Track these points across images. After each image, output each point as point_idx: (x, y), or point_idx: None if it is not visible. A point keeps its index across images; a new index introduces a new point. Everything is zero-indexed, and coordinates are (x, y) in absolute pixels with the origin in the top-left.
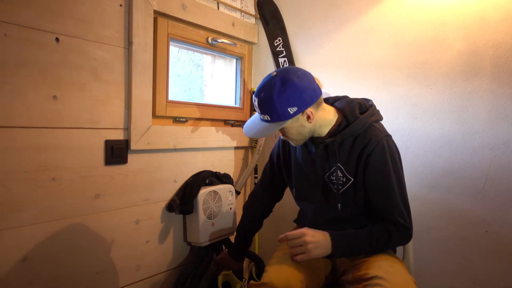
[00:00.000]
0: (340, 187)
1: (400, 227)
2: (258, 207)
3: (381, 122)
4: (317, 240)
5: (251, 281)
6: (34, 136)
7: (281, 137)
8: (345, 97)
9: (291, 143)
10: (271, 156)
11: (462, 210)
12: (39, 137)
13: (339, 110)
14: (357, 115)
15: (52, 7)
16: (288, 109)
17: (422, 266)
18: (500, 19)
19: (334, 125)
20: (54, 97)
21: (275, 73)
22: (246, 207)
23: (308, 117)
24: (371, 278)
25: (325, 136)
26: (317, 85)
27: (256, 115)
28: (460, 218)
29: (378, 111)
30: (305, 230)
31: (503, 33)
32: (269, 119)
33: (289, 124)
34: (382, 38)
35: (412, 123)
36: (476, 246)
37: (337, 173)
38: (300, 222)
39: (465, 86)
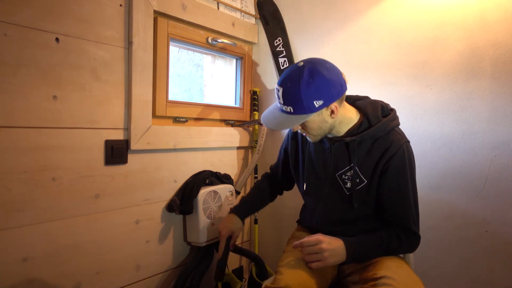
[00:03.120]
0: (352, 187)
1: (410, 234)
2: (272, 182)
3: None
4: (333, 247)
5: (266, 284)
6: (34, 136)
7: (299, 131)
8: (366, 97)
9: (308, 138)
10: (280, 150)
11: (462, 210)
12: (39, 137)
13: (360, 110)
14: (380, 118)
15: (52, 7)
16: (314, 102)
17: (422, 266)
18: (500, 19)
19: (355, 124)
20: (54, 97)
21: (302, 63)
22: (263, 178)
23: (332, 112)
24: (380, 278)
25: (343, 134)
26: (344, 79)
27: (275, 105)
28: (460, 218)
29: (397, 116)
30: (320, 237)
31: (503, 33)
32: (291, 110)
33: (312, 118)
34: (382, 38)
35: (412, 123)
36: (476, 246)
37: (350, 173)
38: (305, 222)
39: (465, 86)
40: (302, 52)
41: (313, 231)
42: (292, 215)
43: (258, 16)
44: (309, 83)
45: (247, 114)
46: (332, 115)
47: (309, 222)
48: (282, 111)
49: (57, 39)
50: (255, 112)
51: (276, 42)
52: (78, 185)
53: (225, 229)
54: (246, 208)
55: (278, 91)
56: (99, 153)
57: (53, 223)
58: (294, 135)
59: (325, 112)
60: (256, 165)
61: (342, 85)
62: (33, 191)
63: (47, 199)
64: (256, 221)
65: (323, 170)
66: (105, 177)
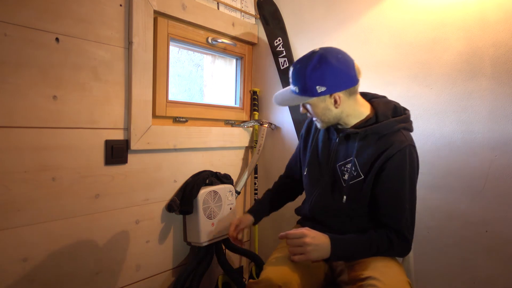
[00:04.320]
0: (349, 180)
1: (402, 239)
2: (286, 181)
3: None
4: (316, 242)
5: (250, 280)
6: (34, 136)
7: (308, 114)
8: (384, 97)
9: (317, 124)
10: (299, 142)
11: (462, 210)
12: (39, 137)
13: (373, 107)
14: (388, 116)
15: (52, 7)
16: (317, 87)
17: (422, 266)
18: (500, 19)
19: (363, 119)
20: (54, 97)
21: (317, 49)
22: (278, 179)
23: (335, 102)
24: (366, 278)
25: (351, 127)
26: (355, 73)
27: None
28: (460, 218)
29: (411, 121)
30: (306, 231)
31: (503, 33)
32: (297, 91)
33: (314, 102)
34: (382, 38)
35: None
36: (476, 246)
37: (350, 165)
38: (302, 211)
39: (465, 86)
40: (302, 52)
41: (308, 223)
42: (292, 215)
43: (258, 16)
44: (315, 68)
45: (247, 114)
46: (336, 105)
47: (303, 210)
48: (292, 90)
49: (57, 39)
50: (255, 112)
51: (276, 42)
52: (78, 185)
53: (235, 220)
54: (258, 207)
55: (290, 70)
56: (99, 153)
57: (53, 223)
58: (310, 122)
59: (329, 100)
60: (256, 165)
61: (351, 78)
62: (33, 191)
63: (47, 199)
64: None
65: (325, 159)
66: (105, 177)
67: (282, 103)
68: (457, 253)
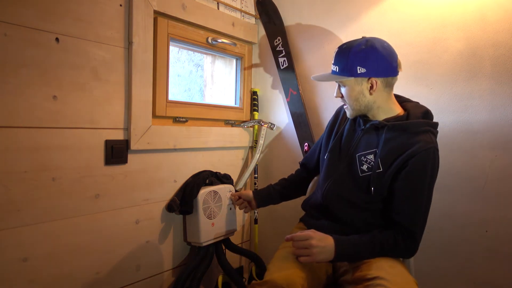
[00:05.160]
0: (366, 170)
1: (410, 239)
2: (300, 173)
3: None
4: (322, 244)
5: (253, 281)
6: (34, 136)
7: (341, 100)
8: (417, 102)
9: (346, 111)
10: (324, 132)
11: (462, 210)
12: (39, 137)
13: (405, 108)
14: (419, 117)
15: (52, 7)
16: (358, 67)
17: (422, 266)
18: (500, 18)
19: (393, 116)
20: (54, 97)
21: (366, 36)
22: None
23: (371, 87)
24: (373, 278)
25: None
26: (396, 65)
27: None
28: (460, 218)
29: (437, 131)
30: (311, 233)
31: (503, 33)
32: (337, 70)
33: (351, 84)
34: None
35: None
36: (476, 246)
37: (371, 157)
38: (310, 200)
39: (465, 86)
40: (302, 51)
41: (316, 210)
42: (292, 215)
43: (258, 16)
44: (360, 50)
45: (247, 114)
46: (371, 91)
47: (313, 198)
48: (331, 71)
49: (57, 39)
50: (255, 112)
51: (276, 42)
52: (78, 185)
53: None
54: (264, 189)
55: (335, 52)
56: (99, 153)
57: (53, 223)
58: (338, 111)
59: (365, 84)
60: (256, 165)
61: (392, 68)
62: (33, 191)
63: (47, 199)
64: (256, 221)
65: (347, 147)
66: (105, 177)
67: (320, 79)
68: (457, 253)
